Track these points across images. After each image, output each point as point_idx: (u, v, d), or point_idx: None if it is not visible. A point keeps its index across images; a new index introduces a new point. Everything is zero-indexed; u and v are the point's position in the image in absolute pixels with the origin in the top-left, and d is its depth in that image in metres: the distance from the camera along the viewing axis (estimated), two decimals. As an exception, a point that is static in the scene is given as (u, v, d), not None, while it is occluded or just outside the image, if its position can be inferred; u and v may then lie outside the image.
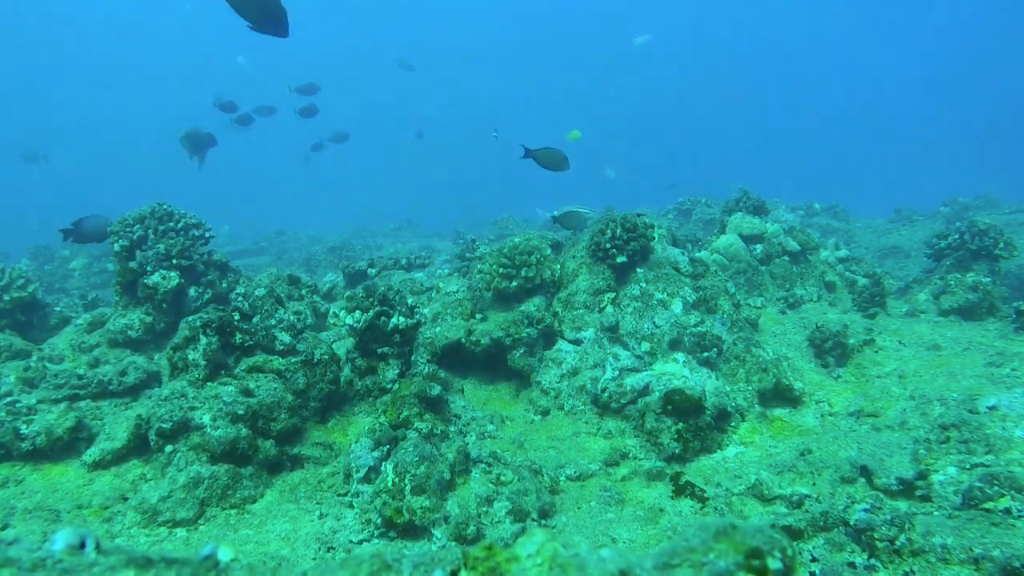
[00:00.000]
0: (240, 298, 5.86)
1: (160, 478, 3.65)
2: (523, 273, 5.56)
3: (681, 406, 4.26)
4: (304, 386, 4.36)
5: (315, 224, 22.03)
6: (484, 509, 3.43)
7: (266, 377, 4.46)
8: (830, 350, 5.37)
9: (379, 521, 3.31)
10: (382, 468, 3.49)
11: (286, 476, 3.88)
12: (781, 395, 4.79)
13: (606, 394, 4.60)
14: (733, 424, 4.51)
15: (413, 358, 4.98)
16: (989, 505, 3.04)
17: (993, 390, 4.22)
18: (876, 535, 2.94)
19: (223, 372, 4.45)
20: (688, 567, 0.89)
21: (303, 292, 6.45)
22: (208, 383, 4.28)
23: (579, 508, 3.65)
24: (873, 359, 5.35)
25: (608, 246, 5.53)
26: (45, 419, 3.90)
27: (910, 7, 68.05)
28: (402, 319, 4.70)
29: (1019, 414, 3.69)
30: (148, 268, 5.62)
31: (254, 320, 5.25)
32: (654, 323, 5.17)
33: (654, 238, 5.80)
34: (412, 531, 3.29)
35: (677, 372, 4.75)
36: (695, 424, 4.23)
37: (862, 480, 3.61)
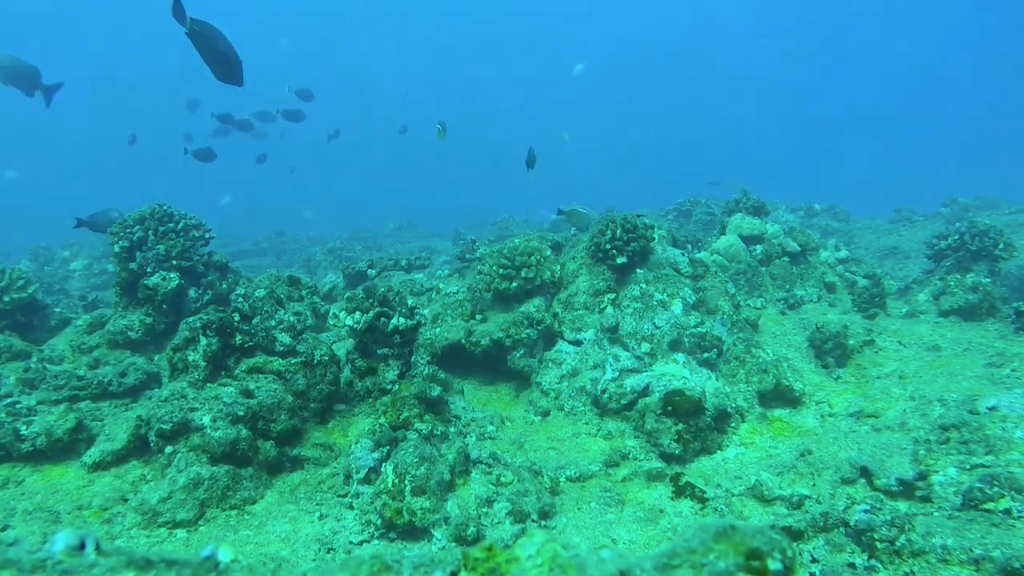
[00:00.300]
0: (240, 299, 5.86)
1: (160, 479, 3.65)
2: (523, 274, 5.56)
3: (681, 407, 4.26)
4: (304, 387, 4.36)
5: (315, 225, 22.06)
6: (484, 510, 3.43)
7: (266, 378, 4.46)
8: (830, 351, 5.37)
9: (379, 522, 3.31)
10: (382, 469, 3.49)
11: (286, 477, 3.88)
12: (781, 396, 4.79)
13: (606, 395, 4.60)
14: (733, 425, 4.51)
15: (413, 359, 4.98)
16: (989, 506, 3.04)
17: (993, 391, 4.22)
18: (876, 536, 2.94)
19: (223, 373, 4.45)
20: (688, 568, 0.89)
21: (303, 293, 6.45)
22: (208, 384, 4.28)
23: (579, 509, 3.65)
24: (873, 360, 5.35)
25: (608, 247, 5.53)
26: (45, 420, 3.90)
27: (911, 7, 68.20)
28: (402, 320, 4.70)
29: (1019, 415, 3.69)
30: (148, 269, 5.62)
31: (254, 321, 5.25)
32: (654, 324, 5.17)
33: (654, 239, 5.80)
34: (412, 532, 3.29)
35: (677, 373, 4.75)
36: (695, 425, 4.22)
37: (862, 481, 3.61)
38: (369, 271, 7.97)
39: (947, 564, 2.73)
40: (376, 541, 3.27)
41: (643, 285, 5.45)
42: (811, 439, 4.23)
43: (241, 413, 3.92)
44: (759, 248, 7.40)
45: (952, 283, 6.45)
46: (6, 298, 5.74)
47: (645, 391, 4.55)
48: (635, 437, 4.33)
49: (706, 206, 12.69)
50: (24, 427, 3.82)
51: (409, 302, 5.04)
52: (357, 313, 4.64)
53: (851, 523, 3.08)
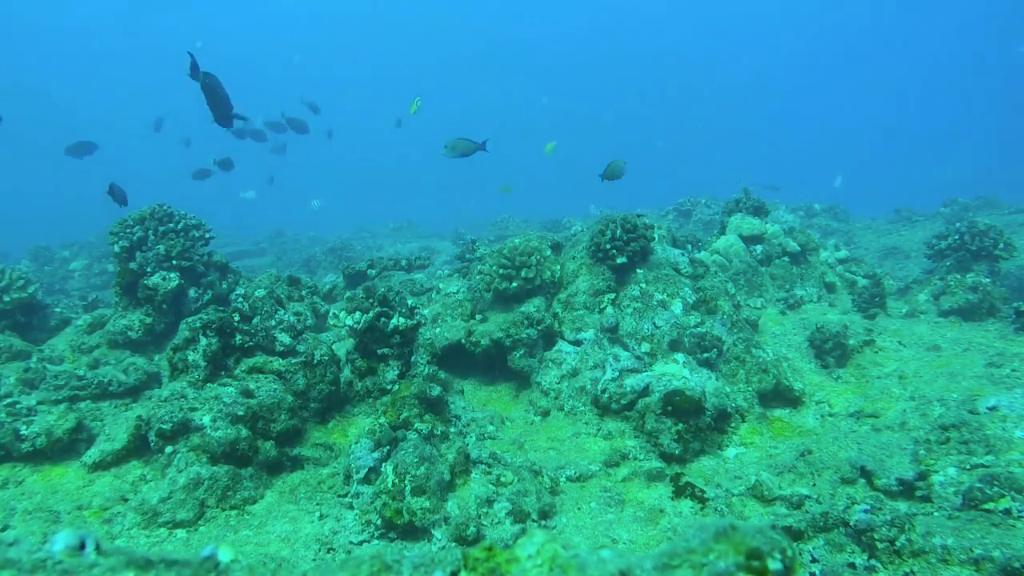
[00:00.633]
0: (240, 299, 5.86)
1: (160, 479, 3.65)
2: (523, 274, 5.56)
3: (681, 407, 4.25)
4: (304, 387, 4.36)
5: (315, 225, 22.05)
6: (484, 510, 3.43)
7: (266, 378, 4.46)
8: (830, 351, 5.37)
9: (379, 522, 3.30)
10: (382, 469, 3.49)
11: (286, 477, 3.88)
12: (781, 396, 4.79)
13: (606, 395, 4.60)
14: (733, 425, 4.51)
15: (413, 359, 4.98)
16: (989, 506, 3.04)
17: (993, 391, 4.22)
18: (876, 536, 2.94)
19: (223, 373, 4.45)
20: (688, 568, 0.89)
21: (303, 293, 6.45)
22: (208, 384, 4.28)
23: (579, 509, 3.65)
24: (873, 360, 5.35)
25: (608, 247, 5.53)
26: (45, 420, 3.90)
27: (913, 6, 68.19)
28: (402, 320, 4.70)
29: (1019, 415, 3.69)
30: (148, 269, 5.62)
31: (254, 321, 5.26)
32: (654, 324, 5.17)
33: (654, 239, 5.80)
34: (412, 532, 3.29)
35: (677, 373, 4.75)
36: (695, 425, 4.22)
37: (862, 481, 3.61)
38: (369, 271, 7.97)
39: (947, 564, 2.73)
40: (376, 541, 3.27)
41: (643, 285, 5.45)
42: (811, 439, 4.23)
43: (241, 413, 3.92)
44: (759, 248, 7.39)
45: (952, 283, 6.45)
46: (6, 298, 5.74)
47: (645, 391, 4.55)
48: (635, 437, 4.33)
49: (706, 206, 12.70)
50: (24, 427, 3.82)
51: (409, 302, 5.04)
52: (357, 313, 4.64)
53: (851, 523, 3.08)
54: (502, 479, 3.61)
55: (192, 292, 5.79)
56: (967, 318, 6.14)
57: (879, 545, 2.91)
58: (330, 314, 6.39)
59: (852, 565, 2.93)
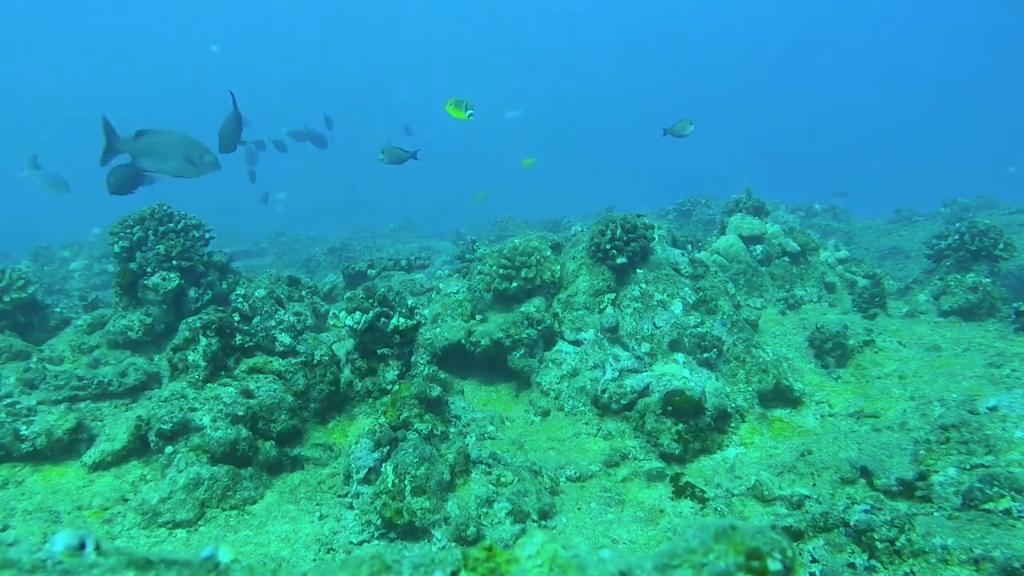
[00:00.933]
0: (240, 299, 5.85)
1: (160, 479, 3.65)
2: (523, 274, 5.56)
3: (681, 407, 4.25)
4: (304, 387, 4.36)
5: (315, 225, 22.07)
6: (484, 510, 3.43)
7: (266, 378, 4.46)
8: (830, 351, 5.37)
9: (379, 522, 3.30)
10: (382, 469, 3.49)
11: (286, 477, 3.88)
12: (781, 396, 4.79)
13: (606, 395, 4.60)
14: (733, 425, 4.51)
15: (413, 359, 4.98)
16: (989, 506, 3.04)
17: (993, 391, 4.22)
18: (876, 536, 2.94)
19: (223, 373, 4.45)
20: (688, 568, 0.89)
21: (303, 293, 6.45)
22: (208, 384, 4.28)
23: (579, 509, 3.65)
24: (873, 360, 5.35)
25: (608, 247, 5.53)
26: (45, 420, 3.90)
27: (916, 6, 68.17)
28: (402, 320, 4.70)
29: (1019, 415, 3.69)
30: (148, 269, 5.62)
31: (254, 321, 5.26)
32: (654, 324, 5.17)
33: (654, 239, 5.80)
34: (412, 532, 3.29)
35: (677, 373, 4.75)
36: (695, 425, 4.22)
37: (862, 481, 3.61)
38: (369, 271, 7.97)
39: (947, 564, 2.73)
40: (376, 541, 3.27)
41: (643, 285, 5.45)
42: (811, 439, 4.23)
43: (241, 413, 3.92)
44: (759, 248, 7.40)
45: (952, 283, 6.45)
46: (6, 298, 5.74)
47: (645, 391, 4.55)
48: (635, 437, 4.33)
49: (706, 206, 12.70)
50: (24, 427, 3.82)
51: (409, 302, 5.04)
52: (357, 313, 4.64)
53: (851, 523, 3.08)
54: (502, 479, 3.61)
55: (192, 292, 5.79)
56: (967, 318, 6.14)
57: (879, 545, 2.91)
58: (330, 314, 6.39)
59: (852, 565, 2.93)
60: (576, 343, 5.22)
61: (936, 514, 3.17)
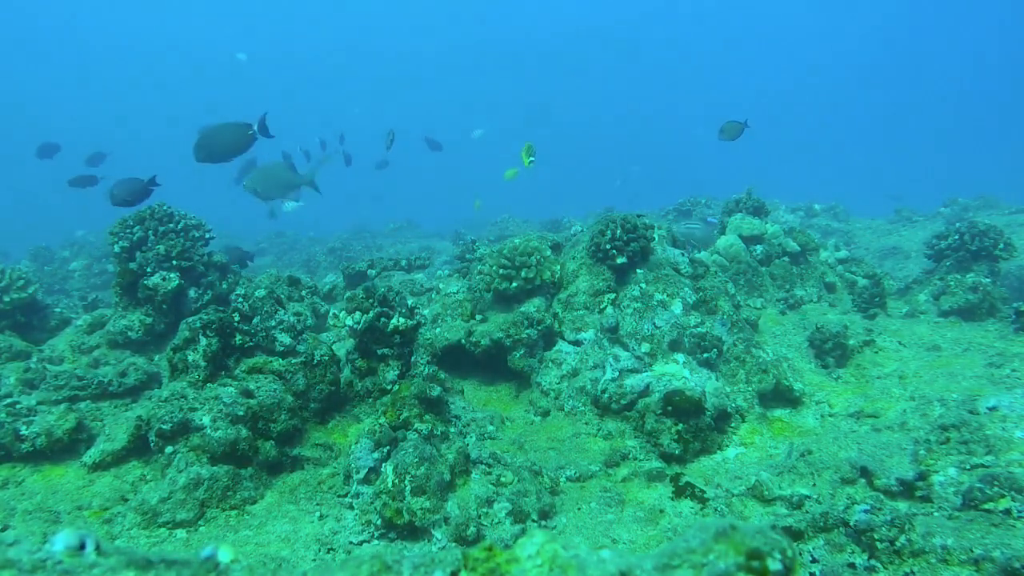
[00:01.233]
0: (240, 299, 5.85)
1: (160, 479, 3.65)
2: (523, 274, 5.56)
3: (681, 407, 4.25)
4: (304, 387, 4.35)
5: (315, 225, 22.04)
6: (484, 510, 3.43)
7: (266, 378, 4.46)
8: (830, 351, 5.37)
9: (379, 522, 3.30)
10: (382, 469, 3.49)
11: (286, 477, 3.88)
12: (781, 396, 4.79)
13: (606, 395, 4.60)
14: (733, 425, 4.51)
15: (413, 359, 4.98)
16: (989, 506, 3.04)
17: (993, 391, 4.22)
18: (876, 536, 2.94)
19: (223, 373, 4.45)
20: (688, 568, 0.89)
21: (303, 293, 6.45)
22: (208, 384, 4.27)
23: (579, 509, 3.65)
24: (873, 360, 5.35)
25: (608, 247, 5.53)
26: (45, 420, 3.90)
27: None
28: (402, 320, 4.70)
29: (1019, 415, 3.69)
30: (148, 269, 5.62)
31: (254, 321, 5.26)
32: (654, 324, 5.17)
33: (654, 239, 5.80)
34: (412, 532, 3.29)
35: (677, 373, 4.75)
36: (695, 425, 4.22)
37: (862, 481, 3.61)
38: (369, 271, 7.97)
39: (947, 564, 2.73)
40: (376, 541, 3.27)
41: (643, 285, 5.44)
42: (811, 439, 4.23)
43: (241, 413, 3.92)
44: (759, 248, 7.39)
45: (952, 283, 6.45)
46: (6, 298, 5.74)
47: (645, 391, 4.55)
48: (635, 437, 4.33)
49: (706, 206, 12.71)
50: (24, 427, 3.82)
51: (409, 302, 5.04)
52: (357, 313, 4.64)
53: (851, 523, 3.07)
54: (502, 479, 3.61)
55: (192, 292, 5.79)
56: (967, 318, 6.14)
57: (879, 545, 2.91)
58: (330, 314, 6.39)
59: (852, 565, 2.93)
60: (576, 343, 5.22)
61: (936, 514, 3.17)
